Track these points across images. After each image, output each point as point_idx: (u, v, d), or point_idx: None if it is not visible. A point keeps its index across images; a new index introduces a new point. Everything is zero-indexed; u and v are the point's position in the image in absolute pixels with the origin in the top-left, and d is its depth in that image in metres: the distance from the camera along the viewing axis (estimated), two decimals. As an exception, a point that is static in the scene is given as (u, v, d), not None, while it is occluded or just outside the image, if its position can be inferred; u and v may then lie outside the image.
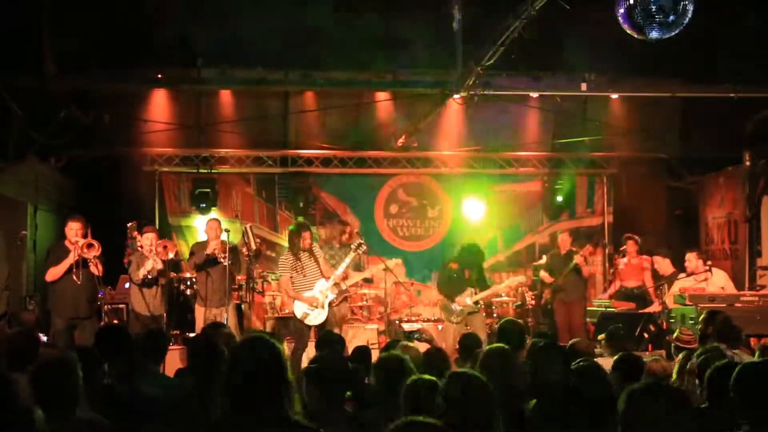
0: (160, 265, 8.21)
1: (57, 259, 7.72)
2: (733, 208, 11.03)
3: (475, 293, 8.87)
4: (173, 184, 11.91)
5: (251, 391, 2.61)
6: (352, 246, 8.64)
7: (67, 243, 7.74)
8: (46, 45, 8.66)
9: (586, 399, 3.05)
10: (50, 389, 3.19)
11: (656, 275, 10.02)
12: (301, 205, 11.94)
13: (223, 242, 8.65)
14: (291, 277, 8.35)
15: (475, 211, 12.17)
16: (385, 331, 9.97)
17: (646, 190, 11.99)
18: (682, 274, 9.25)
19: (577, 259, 9.56)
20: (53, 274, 7.71)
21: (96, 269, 7.69)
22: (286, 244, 11.90)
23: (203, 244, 8.83)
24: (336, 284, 8.45)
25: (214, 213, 11.10)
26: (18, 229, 9.55)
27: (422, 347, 5.97)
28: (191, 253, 9.08)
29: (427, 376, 3.53)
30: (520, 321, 7.18)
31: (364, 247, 8.72)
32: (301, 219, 10.34)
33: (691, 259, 9.17)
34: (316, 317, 8.23)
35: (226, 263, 8.53)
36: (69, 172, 11.02)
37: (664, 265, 9.54)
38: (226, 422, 2.64)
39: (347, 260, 8.52)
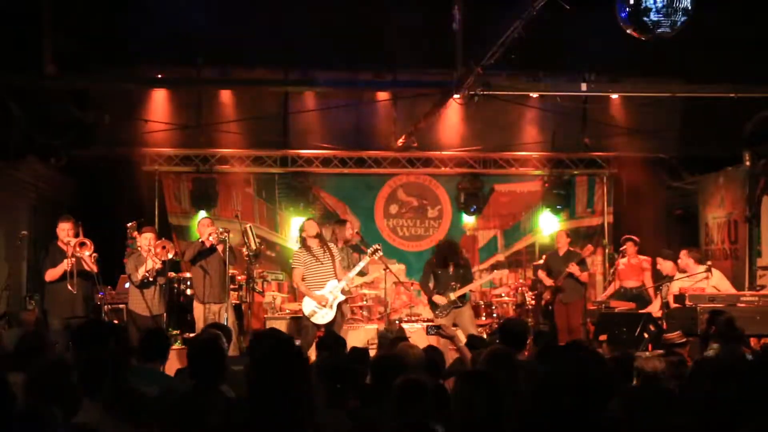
0: (159, 265, 8.22)
1: (53, 260, 7.76)
2: (733, 208, 11.02)
3: (456, 288, 8.86)
4: (173, 184, 11.90)
5: (272, 390, 2.58)
6: (369, 251, 8.70)
7: (59, 243, 7.80)
8: (46, 45, 8.65)
9: None
10: (48, 391, 3.17)
11: (658, 276, 10.02)
12: (301, 205, 11.95)
13: (218, 230, 8.64)
14: (303, 273, 8.41)
15: (474, 211, 12.21)
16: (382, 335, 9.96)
17: (646, 190, 11.98)
18: (679, 274, 9.30)
19: (572, 269, 9.55)
20: (51, 275, 7.76)
21: (89, 266, 7.72)
22: (286, 244, 12.03)
23: (195, 243, 8.83)
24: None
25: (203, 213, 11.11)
26: (18, 229, 9.56)
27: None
28: (183, 252, 9.11)
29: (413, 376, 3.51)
30: (523, 320, 7.17)
31: (380, 253, 8.82)
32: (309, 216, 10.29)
33: (683, 257, 9.24)
34: (323, 316, 8.26)
35: (220, 246, 8.51)
36: (69, 172, 11.02)
37: (667, 267, 9.55)
38: (245, 422, 2.61)
39: (362, 264, 8.61)
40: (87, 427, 3.26)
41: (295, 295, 11.44)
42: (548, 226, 12.21)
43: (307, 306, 8.34)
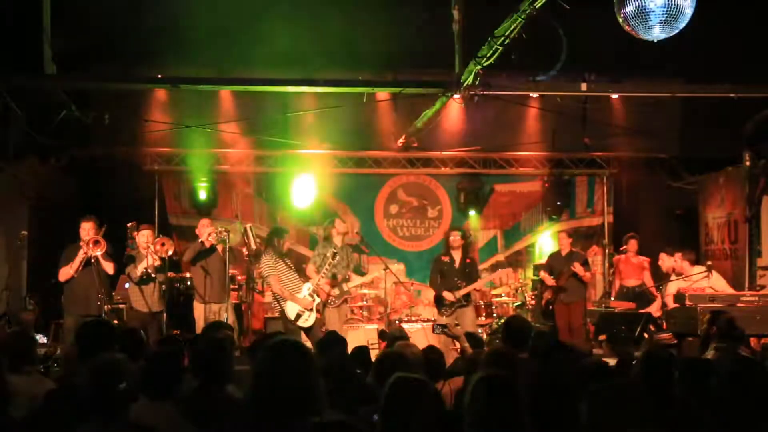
0: (158, 262, 8.26)
1: (68, 259, 7.80)
2: (733, 208, 11.03)
3: (462, 286, 8.89)
4: (173, 184, 11.91)
5: (282, 396, 2.57)
6: (328, 255, 8.65)
7: (81, 243, 7.83)
8: (46, 45, 8.64)
9: None
10: (102, 391, 3.18)
11: (657, 275, 10.03)
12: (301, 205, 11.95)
13: (217, 230, 8.69)
14: (279, 278, 8.49)
15: (474, 211, 12.20)
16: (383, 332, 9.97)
17: (646, 190, 11.99)
18: (674, 276, 9.31)
19: (576, 268, 9.56)
20: (64, 274, 7.80)
21: (103, 266, 7.78)
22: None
23: (195, 244, 8.86)
24: (336, 286, 8.59)
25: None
26: (18, 229, 9.56)
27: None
28: (183, 252, 9.15)
29: (404, 374, 3.50)
30: (526, 320, 7.17)
31: (338, 257, 8.76)
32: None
33: (677, 260, 9.26)
34: (307, 319, 8.36)
35: (220, 246, 8.55)
36: (69, 172, 11.02)
37: (669, 263, 9.59)
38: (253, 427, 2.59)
39: (325, 266, 8.58)
40: (145, 425, 3.26)
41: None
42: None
43: (292, 310, 8.42)
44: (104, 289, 7.96)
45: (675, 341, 8.10)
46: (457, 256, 9.06)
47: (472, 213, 12.35)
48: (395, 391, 3.07)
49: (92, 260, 7.74)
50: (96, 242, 7.76)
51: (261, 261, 8.90)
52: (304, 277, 8.81)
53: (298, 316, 8.39)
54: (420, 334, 9.27)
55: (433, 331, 6.58)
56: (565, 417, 3.27)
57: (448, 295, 8.89)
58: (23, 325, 8.46)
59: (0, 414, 3.20)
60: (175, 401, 3.64)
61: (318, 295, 8.55)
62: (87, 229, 7.85)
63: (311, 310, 8.43)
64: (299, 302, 8.40)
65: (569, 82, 9.54)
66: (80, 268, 7.74)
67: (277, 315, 10.39)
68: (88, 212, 8.23)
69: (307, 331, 8.31)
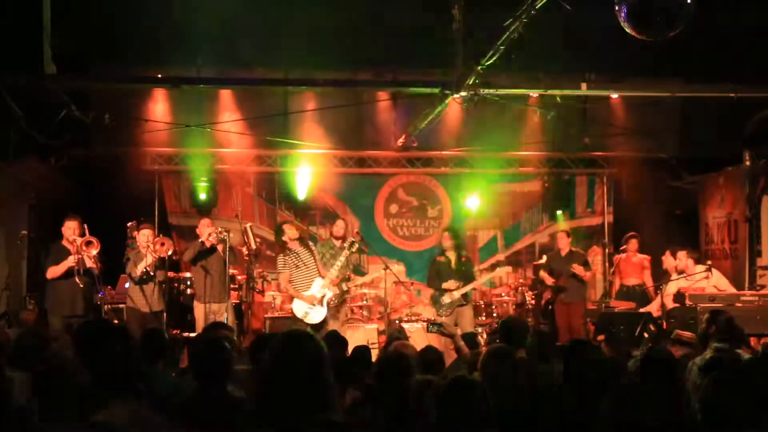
0: (158, 262, 8.26)
1: (56, 258, 7.78)
2: (733, 208, 11.03)
3: (460, 286, 8.98)
4: (173, 184, 11.91)
5: (294, 389, 2.57)
6: (345, 245, 8.74)
7: (64, 242, 7.80)
8: (46, 45, 8.65)
9: None
10: (52, 390, 3.17)
11: (658, 275, 10.03)
12: (301, 204, 11.96)
13: (218, 230, 8.71)
14: (290, 275, 8.53)
15: (474, 211, 12.20)
16: (385, 331, 9.98)
17: (646, 190, 11.99)
18: (676, 275, 9.31)
19: (576, 269, 9.57)
20: (53, 272, 7.77)
21: (95, 266, 7.75)
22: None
23: (195, 243, 8.88)
24: (335, 284, 8.63)
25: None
26: (18, 229, 9.57)
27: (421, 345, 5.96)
28: (183, 251, 9.17)
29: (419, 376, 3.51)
30: (523, 319, 7.19)
31: (356, 246, 8.87)
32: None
33: (681, 258, 9.24)
34: (315, 315, 8.41)
35: (221, 246, 8.57)
36: (69, 172, 11.02)
37: (669, 262, 9.58)
38: (263, 421, 2.59)
39: (342, 259, 8.64)
40: (109, 425, 3.25)
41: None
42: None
43: (299, 308, 8.50)
44: (93, 290, 7.95)
45: (695, 341, 8.05)
46: (452, 256, 9.16)
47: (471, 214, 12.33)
48: (453, 391, 3.08)
49: (91, 260, 7.74)
50: (89, 242, 7.74)
51: (277, 258, 9.00)
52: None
53: (306, 313, 8.48)
54: (420, 334, 9.26)
55: (428, 329, 6.58)
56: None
57: (450, 284, 8.95)
58: (25, 325, 8.46)
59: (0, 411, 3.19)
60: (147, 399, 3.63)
61: (329, 290, 8.61)
62: (72, 228, 7.84)
63: (318, 304, 8.47)
64: (305, 299, 8.47)
65: (569, 82, 9.54)
66: (80, 270, 7.70)
67: (276, 315, 10.45)
68: (88, 212, 8.24)
69: (317, 328, 8.32)
